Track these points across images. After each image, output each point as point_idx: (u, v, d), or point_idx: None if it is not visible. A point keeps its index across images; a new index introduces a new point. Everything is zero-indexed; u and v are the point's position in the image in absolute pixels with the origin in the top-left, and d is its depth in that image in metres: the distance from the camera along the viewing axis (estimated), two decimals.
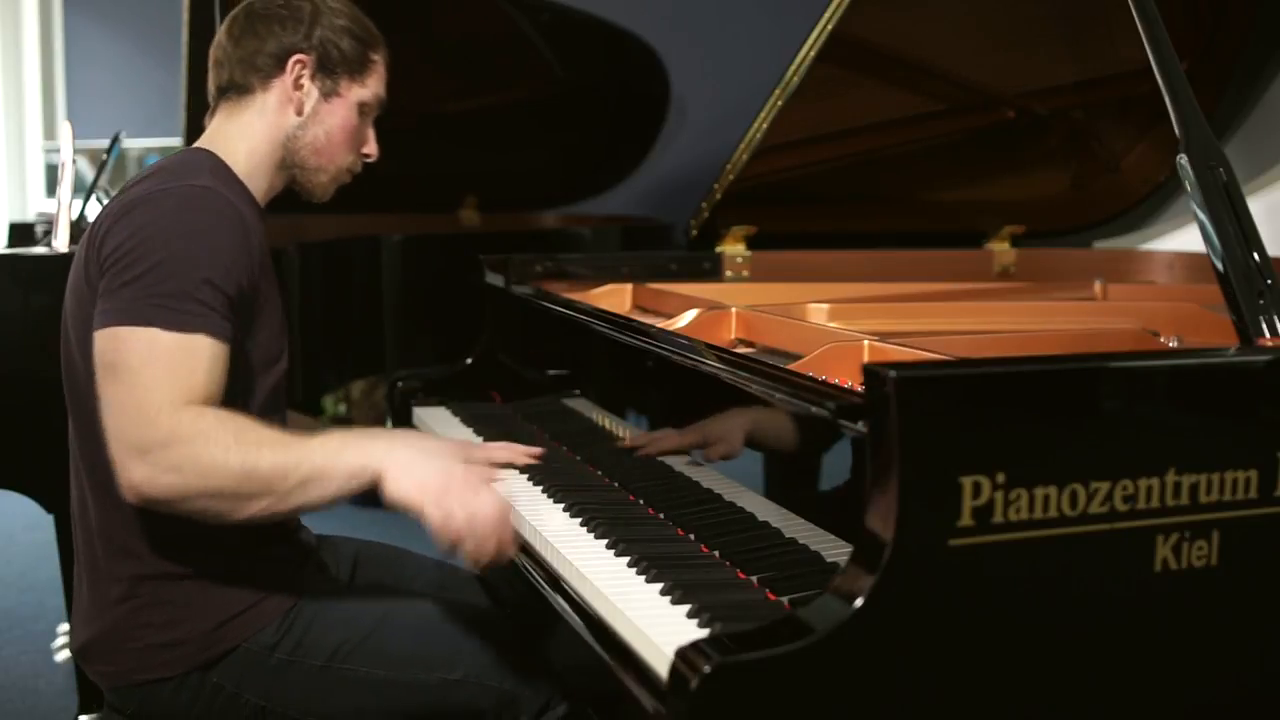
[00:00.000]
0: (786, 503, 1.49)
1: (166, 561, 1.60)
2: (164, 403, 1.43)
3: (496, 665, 1.65)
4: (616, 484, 1.81)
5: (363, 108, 1.78)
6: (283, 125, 1.73)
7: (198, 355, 1.48)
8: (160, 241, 1.51)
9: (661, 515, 1.65)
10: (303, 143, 1.74)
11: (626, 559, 1.46)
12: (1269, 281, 1.43)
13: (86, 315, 1.56)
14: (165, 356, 1.46)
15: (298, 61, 1.71)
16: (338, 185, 1.82)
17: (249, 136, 1.72)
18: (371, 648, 1.63)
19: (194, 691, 1.60)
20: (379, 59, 1.79)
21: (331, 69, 1.73)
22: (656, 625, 1.24)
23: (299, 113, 1.73)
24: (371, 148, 1.82)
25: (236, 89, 1.73)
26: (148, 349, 1.46)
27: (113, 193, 2.38)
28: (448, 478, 1.49)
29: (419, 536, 1.55)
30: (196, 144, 1.74)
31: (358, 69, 1.75)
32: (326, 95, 1.74)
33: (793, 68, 2.44)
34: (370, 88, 1.77)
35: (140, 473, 1.43)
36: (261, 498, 1.45)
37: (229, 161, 1.70)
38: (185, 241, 1.52)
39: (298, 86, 1.72)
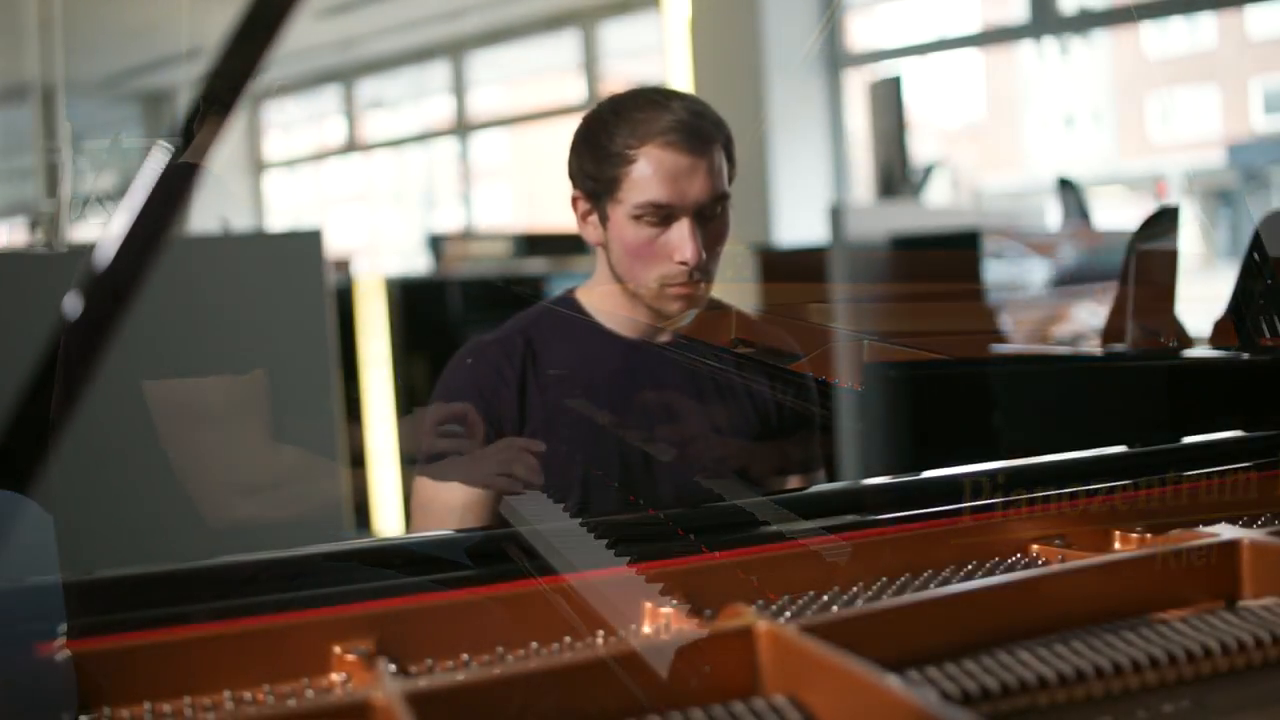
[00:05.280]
0: (785, 501, 1.49)
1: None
2: (261, 446, 1.58)
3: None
4: (617, 484, 1.81)
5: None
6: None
7: (264, 391, 1.63)
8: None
9: (661, 515, 1.64)
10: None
11: (627, 559, 1.45)
12: (1269, 281, 1.43)
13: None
14: (250, 400, 1.59)
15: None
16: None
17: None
18: None
19: None
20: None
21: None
22: (657, 625, 1.24)
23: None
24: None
25: None
26: (234, 395, 1.57)
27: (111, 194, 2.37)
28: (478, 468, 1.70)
29: None
30: None
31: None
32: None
33: None
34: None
35: (248, 510, 1.57)
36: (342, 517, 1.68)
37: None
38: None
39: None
